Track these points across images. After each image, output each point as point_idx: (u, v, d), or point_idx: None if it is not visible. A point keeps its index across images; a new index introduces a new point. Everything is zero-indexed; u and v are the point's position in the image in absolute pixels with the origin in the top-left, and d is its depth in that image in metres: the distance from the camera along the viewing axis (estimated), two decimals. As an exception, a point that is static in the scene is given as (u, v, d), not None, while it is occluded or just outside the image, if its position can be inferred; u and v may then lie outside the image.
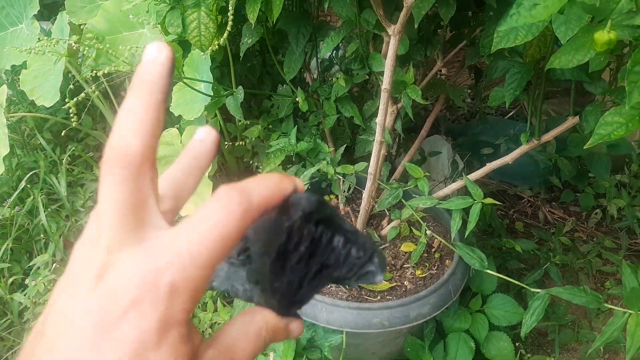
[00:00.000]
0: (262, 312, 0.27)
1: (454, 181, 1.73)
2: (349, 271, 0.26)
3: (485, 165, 1.17)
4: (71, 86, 1.23)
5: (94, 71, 1.06)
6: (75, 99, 1.00)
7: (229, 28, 1.11)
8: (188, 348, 0.22)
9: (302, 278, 0.26)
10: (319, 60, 1.45)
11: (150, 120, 0.23)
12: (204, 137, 0.29)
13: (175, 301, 0.21)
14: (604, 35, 0.62)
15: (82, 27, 1.65)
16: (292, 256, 0.25)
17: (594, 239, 1.78)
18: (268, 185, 0.24)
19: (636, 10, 0.61)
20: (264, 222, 0.25)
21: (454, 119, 2.24)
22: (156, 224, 0.23)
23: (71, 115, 1.08)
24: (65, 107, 1.02)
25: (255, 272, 0.27)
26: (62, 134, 1.45)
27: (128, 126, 0.23)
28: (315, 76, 1.75)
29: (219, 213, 0.22)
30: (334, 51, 1.80)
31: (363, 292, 1.12)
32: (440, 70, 2.41)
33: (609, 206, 1.80)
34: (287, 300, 0.26)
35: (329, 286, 1.13)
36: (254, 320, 0.26)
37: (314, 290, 0.27)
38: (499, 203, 1.07)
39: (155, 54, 0.24)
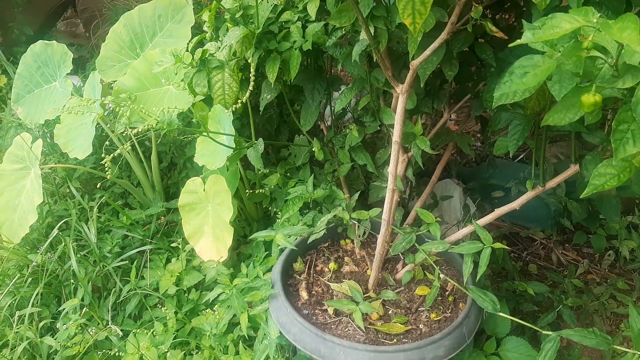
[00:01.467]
0: None
1: (465, 225, 1.78)
2: None
3: (494, 210, 1.23)
4: (107, 142, 1.32)
5: (130, 129, 1.15)
6: (111, 155, 1.09)
7: (250, 88, 1.21)
8: None
9: None
10: (333, 112, 1.54)
11: None
12: None
13: None
14: (590, 98, 0.69)
15: (111, 85, 1.78)
16: None
17: (608, 281, 1.80)
18: None
19: (617, 75, 0.69)
20: None
21: (465, 162, 2.30)
22: None
23: (107, 169, 1.17)
24: (103, 162, 1.11)
25: None
26: (97, 185, 1.55)
27: None
28: (329, 123, 1.84)
29: None
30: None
31: (379, 335, 1.16)
32: (450, 116, 2.50)
33: (621, 248, 1.82)
34: None
35: (346, 330, 1.17)
36: None
37: None
38: (508, 248, 1.12)
39: None
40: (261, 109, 1.43)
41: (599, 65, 0.70)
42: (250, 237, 1.34)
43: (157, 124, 1.12)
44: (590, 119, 0.88)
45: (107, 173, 1.17)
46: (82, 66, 3.08)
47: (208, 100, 1.55)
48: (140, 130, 1.09)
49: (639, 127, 0.65)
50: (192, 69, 1.23)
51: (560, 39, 0.72)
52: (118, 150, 1.10)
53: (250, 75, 1.23)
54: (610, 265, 1.88)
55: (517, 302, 1.51)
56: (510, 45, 0.67)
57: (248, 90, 1.22)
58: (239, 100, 1.23)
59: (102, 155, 1.10)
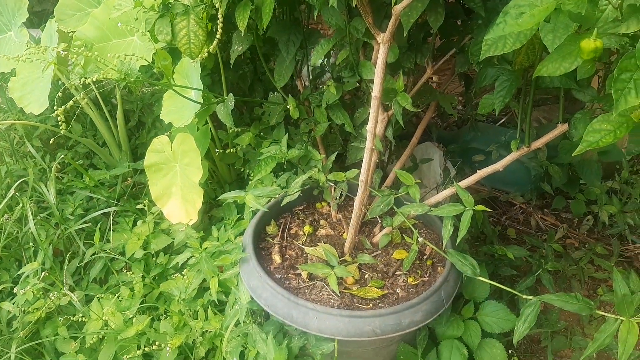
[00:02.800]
0: None
1: (445, 188, 1.73)
2: None
3: (477, 172, 1.17)
4: (60, 94, 1.21)
5: (83, 79, 1.05)
6: (63, 107, 0.99)
7: (218, 36, 1.11)
8: None
9: None
10: (311, 68, 1.45)
11: None
12: None
13: None
14: (590, 44, 0.62)
15: (71, 34, 1.64)
16: None
17: (586, 246, 1.79)
18: None
19: (621, 19, 0.62)
20: None
21: (446, 126, 2.24)
22: None
23: (60, 123, 1.07)
24: (54, 115, 1.01)
25: None
26: (51, 141, 1.44)
27: None
28: (306, 83, 1.75)
29: None
30: (326, 58, 1.81)
31: (355, 300, 1.11)
32: (432, 78, 2.42)
33: (601, 213, 1.80)
34: None
35: (320, 294, 1.12)
36: None
37: None
38: (490, 210, 1.07)
39: None
40: (232, 62, 1.33)
41: (602, 7, 0.63)
42: (219, 198, 1.26)
43: (114, 75, 1.02)
44: (585, 72, 0.81)
45: (60, 128, 1.08)
46: (45, 19, 2.89)
47: (176, 53, 1.44)
48: (95, 79, 0.98)
49: (642, 76, 0.59)
50: (155, 15, 1.12)
51: (560, -23, 0.64)
52: (70, 102, 0.99)
53: (218, 22, 1.12)
54: (588, 230, 1.86)
55: (495, 266, 1.48)
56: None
57: (215, 39, 1.12)
58: (206, 51, 1.13)
59: (54, 108, 1.00)
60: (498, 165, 1.14)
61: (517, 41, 0.81)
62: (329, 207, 1.40)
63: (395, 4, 0.90)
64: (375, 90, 1.00)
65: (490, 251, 1.46)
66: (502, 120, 2.21)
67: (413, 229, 1.17)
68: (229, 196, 1.18)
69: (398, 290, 1.14)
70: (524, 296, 1.07)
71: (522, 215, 1.95)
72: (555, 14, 0.65)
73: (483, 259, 1.49)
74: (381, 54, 0.96)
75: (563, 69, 0.70)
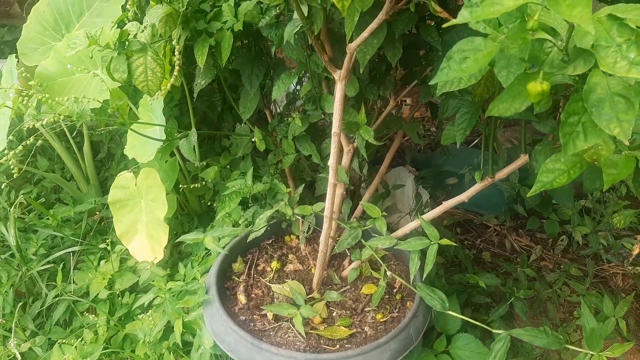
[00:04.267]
0: None
1: (414, 218, 1.72)
2: None
3: (443, 203, 1.16)
4: (10, 137, 1.17)
5: (35, 121, 1.02)
6: (13, 152, 0.95)
7: (176, 73, 1.09)
8: None
9: None
10: (274, 100, 1.43)
11: None
12: None
13: None
14: (536, 87, 0.61)
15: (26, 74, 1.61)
16: None
17: (561, 267, 1.78)
18: None
19: (568, 60, 0.61)
20: None
21: (419, 148, 2.24)
22: None
23: (12, 167, 1.03)
24: (3, 160, 0.97)
25: None
26: (15, 176, 1.39)
27: None
28: (280, 109, 1.73)
29: None
30: (298, 85, 1.79)
31: (322, 341, 1.08)
32: (405, 100, 2.42)
33: (574, 233, 1.80)
34: None
35: (286, 336, 1.09)
36: None
37: None
38: (454, 244, 1.05)
39: None
40: (195, 95, 1.30)
41: (547, 49, 0.62)
42: (178, 240, 1.22)
43: (64, 117, 0.99)
44: (539, 108, 0.80)
45: (13, 172, 1.04)
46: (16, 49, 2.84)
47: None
48: (46, 122, 0.95)
49: (591, 119, 0.58)
50: (111, 52, 1.09)
51: (506, 18, 0.63)
52: (20, 147, 0.96)
53: (175, 59, 1.10)
54: (563, 250, 1.86)
55: (469, 294, 1.46)
56: (444, 25, 0.58)
57: (174, 76, 1.10)
58: (165, 87, 1.11)
59: (6, 151, 0.96)
60: (463, 197, 1.12)
61: (471, 78, 0.80)
62: (298, 240, 1.37)
63: (350, 41, 0.89)
64: (335, 127, 0.98)
65: (463, 280, 1.44)
66: (475, 141, 2.21)
67: (381, 262, 1.14)
68: (188, 238, 1.15)
69: (366, 328, 1.12)
70: (494, 330, 1.05)
71: (497, 238, 1.94)
72: (502, 55, 0.64)
73: (457, 287, 1.47)
74: (338, 91, 0.94)
75: (513, 109, 0.69)
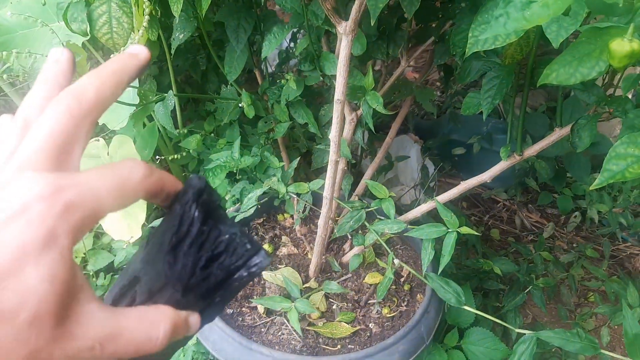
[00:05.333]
0: (162, 307, 0.27)
1: (423, 190, 1.57)
2: (238, 260, 0.28)
3: (460, 183, 1.00)
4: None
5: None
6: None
7: (145, 24, 0.91)
8: (67, 275, 0.22)
9: (194, 263, 0.27)
10: (264, 59, 1.25)
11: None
12: (59, 57, 0.29)
13: (66, 220, 0.21)
14: (624, 46, 0.44)
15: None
16: (184, 242, 0.27)
17: (574, 246, 1.66)
18: (100, 82, 0.26)
19: (667, 9, 0.44)
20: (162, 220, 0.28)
21: (423, 115, 2.07)
22: (73, 167, 0.25)
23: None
24: None
25: (152, 266, 0.28)
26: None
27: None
28: (272, 69, 1.55)
29: (50, 118, 0.24)
30: (292, 42, 1.60)
31: (320, 340, 0.94)
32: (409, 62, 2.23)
33: (589, 210, 1.67)
34: (182, 284, 0.27)
35: (280, 333, 0.95)
36: (153, 311, 0.26)
37: (208, 282, 0.28)
38: (476, 233, 0.91)
39: (57, 56, 0.28)
40: (172, 51, 1.12)
41: (640, -7, 0.45)
42: (150, 225, 1.07)
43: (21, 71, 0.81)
44: (597, 74, 0.64)
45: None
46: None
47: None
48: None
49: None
50: (67, -2, 0.90)
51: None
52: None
53: (145, 6, 0.91)
54: (576, 228, 1.73)
55: (480, 279, 1.33)
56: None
57: (142, 27, 0.91)
58: (132, 42, 0.92)
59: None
60: (485, 177, 0.97)
61: (511, 34, 0.63)
62: (292, 219, 1.22)
63: (360, -15, 0.71)
64: (338, 93, 0.81)
65: (475, 265, 1.31)
66: (484, 108, 2.04)
67: (388, 249, 1.00)
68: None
69: (371, 325, 0.98)
70: (517, 330, 0.92)
71: (506, 213, 1.80)
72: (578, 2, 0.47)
73: (466, 272, 1.33)
74: (344, 48, 0.76)
75: (580, 75, 0.53)
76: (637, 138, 0.53)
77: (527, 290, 1.24)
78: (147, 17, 0.91)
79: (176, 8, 0.94)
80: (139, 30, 0.91)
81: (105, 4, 0.92)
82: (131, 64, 0.28)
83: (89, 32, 0.94)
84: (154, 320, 0.26)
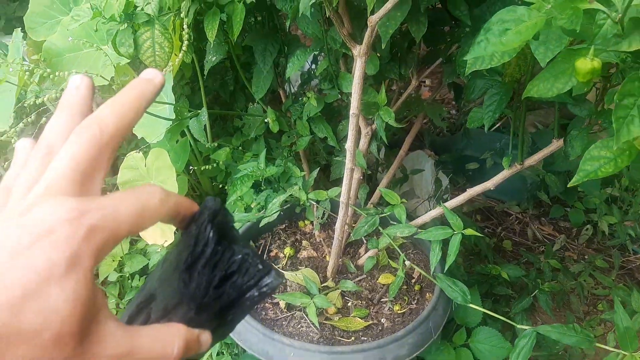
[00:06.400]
0: (176, 325, 0.28)
1: (437, 202, 1.65)
2: (250, 279, 0.29)
3: (466, 190, 1.09)
4: (12, 114, 1.13)
5: (36, 97, 0.97)
6: (13, 129, 0.91)
7: (184, 48, 1.03)
8: (89, 296, 0.22)
9: (208, 282, 0.28)
10: (288, 79, 1.36)
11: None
12: (79, 83, 0.30)
13: (89, 243, 0.22)
14: (586, 64, 0.54)
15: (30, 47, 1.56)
16: (199, 261, 0.28)
17: (585, 257, 1.71)
18: (120, 110, 0.27)
19: (622, 35, 0.53)
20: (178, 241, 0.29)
21: (439, 132, 2.16)
22: (96, 192, 0.26)
23: (14, 144, 0.98)
24: (6, 137, 0.93)
25: (167, 284, 0.29)
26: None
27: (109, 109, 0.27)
28: (295, 89, 1.66)
29: (75, 145, 0.25)
30: (313, 64, 1.72)
31: (336, 333, 1.03)
32: (424, 81, 2.33)
33: (600, 222, 1.72)
34: (195, 303, 0.28)
35: (299, 326, 1.04)
36: (167, 329, 0.27)
37: (220, 301, 0.29)
38: (480, 235, 0.99)
39: (77, 83, 0.29)
40: (205, 72, 1.24)
41: (600, 21, 0.54)
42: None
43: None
44: (579, 90, 0.73)
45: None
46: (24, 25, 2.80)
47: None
48: (47, 99, 0.90)
49: (647, 101, 0.51)
50: (116, 25, 1.03)
51: (551, -14, 0.56)
52: (21, 124, 0.91)
53: (184, 33, 1.04)
54: (587, 240, 1.78)
55: (490, 285, 1.40)
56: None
57: (182, 51, 1.04)
58: (171, 64, 1.05)
59: (9, 127, 0.92)
60: (489, 184, 1.06)
61: (504, 55, 0.73)
62: (312, 225, 1.32)
63: (372, 14, 0.82)
64: (353, 107, 0.92)
65: (484, 270, 1.38)
66: (497, 125, 2.12)
67: (400, 251, 1.08)
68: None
69: (383, 320, 1.06)
70: (519, 326, 0.99)
71: (519, 226, 1.87)
72: (545, 28, 0.56)
73: (477, 277, 1.40)
74: (358, 68, 0.87)
75: (556, 89, 0.62)
76: (608, 142, 0.62)
77: (534, 294, 1.30)
78: (185, 42, 1.03)
79: (211, 34, 1.06)
80: (178, 54, 1.04)
81: (149, 30, 1.05)
82: (148, 90, 0.29)
83: (134, 55, 1.07)
84: (167, 338, 0.26)
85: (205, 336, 0.29)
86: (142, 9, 1.06)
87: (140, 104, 0.29)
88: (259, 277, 0.29)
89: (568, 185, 0.63)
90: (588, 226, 1.80)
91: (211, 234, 0.28)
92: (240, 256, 0.29)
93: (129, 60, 1.08)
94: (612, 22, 0.53)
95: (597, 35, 0.54)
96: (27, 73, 0.98)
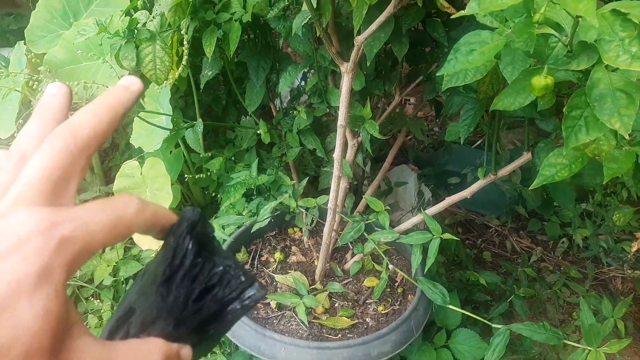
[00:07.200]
0: (155, 340, 0.27)
1: (419, 212, 1.73)
2: (232, 292, 0.28)
3: (445, 199, 1.17)
4: (20, 121, 1.19)
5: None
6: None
7: (184, 62, 1.11)
8: (61, 310, 0.21)
9: (187, 295, 0.27)
10: (279, 94, 1.44)
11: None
12: (56, 91, 0.29)
13: (61, 255, 0.22)
14: (540, 81, 0.62)
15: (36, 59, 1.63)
16: (177, 274, 0.27)
17: (561, 269, 1.79)
18: (95, 118, 0.26)
19: (572, 56, 0.62)
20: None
21: (422, 147, 2.25)
22: (69, 202, 0.25)
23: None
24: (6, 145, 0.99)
25: (146, 298, 0.28)
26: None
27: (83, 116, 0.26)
28: (285, 105, 1.74)
29: (46, 153, 0.24)
30: (302, 80, 1.81)
31: (324, 330, 1.09)
32: (408, 99, 2.43)
33: (575, 236, 1.81)
34: (174, 317, 0.27)
35: (289, 324, 1.10)
36: (145, 344, 0.26)
37: (200, 314, 0.28)
38: (456, 238, 1.06)
39: (54, 91, 0.28)
40: (201, 86, 1.32)
41: (552, 44, 0.63)
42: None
43: (75, 99, 1.00)
44: (543, 104, 0.81)
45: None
46: (21, 38, 2.86)
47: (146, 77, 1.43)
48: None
49: (593, 113, 0.59)
50: (119, 40, 1.11)
51: (513, 13, 0.65)
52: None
53: (184, 49, 1.11)
54: (563, 253, 1.87)
55: (469, 291, 1.47)
56: (452, 16, 0.60)
57: (181, 66, 1.11)
58: (173, 77, 1.12)
59: (14, 134, 0.98)
60: (466, 192, 1.14)
61: (477, 73, 0.81)
62: (301, 232, 1.38)
63: (358, 34, 0.90)
64: (341, 119, 1.00)
65: (464, 277, 1.45)
66: (478, 142, 2.22)
67: (383, 256, 1.16)
68: (195, 225, 1.16)
69: (368, 319, 1.13)
70: (494, 325, 1.06)
71: (498, 238, 1.95)
72: (508, 49, 0.65)
73: (457, 284, 1.48)
74: (345, 83, 0.95)
75: (517, 103, 0.70)
76: (563, 151, 0.70)
77: (510, 299, 1.37)
78: (185, 56, 1.11)
79: (209, 50, 1.14)
80: (178, 67, 1.11)
81: (150, 45, 1.12)
82: (125, 97, 0.28)
83: (134, 68, 1.14)
84: (145, 354, 0.25)
85: (186, 351, 0.28)
86: (144, 26, 1.13)
87: (116, 112, 0.27)
88: (242, 290, 0.28)
89: (529, 188, 0.71)
90: (564, 239, 1.89)
91: (190, 246, 0.27)
92: (221, 268, 0.28)
93: (128, 73, 1.15)
94: (562, 45, 0.62)
95: (550, 56, 0.62)
96: (35, 83, 1.04)
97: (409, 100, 2.42)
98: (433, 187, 1.80)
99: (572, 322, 1.61)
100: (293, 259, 1.30)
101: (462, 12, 0.57)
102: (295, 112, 1.35)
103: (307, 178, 1.35)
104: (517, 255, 1.88)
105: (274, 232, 1.39)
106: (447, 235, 1.05)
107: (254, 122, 1.50)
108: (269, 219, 1.25)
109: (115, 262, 1.48)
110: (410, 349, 1.17)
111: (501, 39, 0.61)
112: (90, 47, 1.50)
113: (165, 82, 1.11)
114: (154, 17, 1.09)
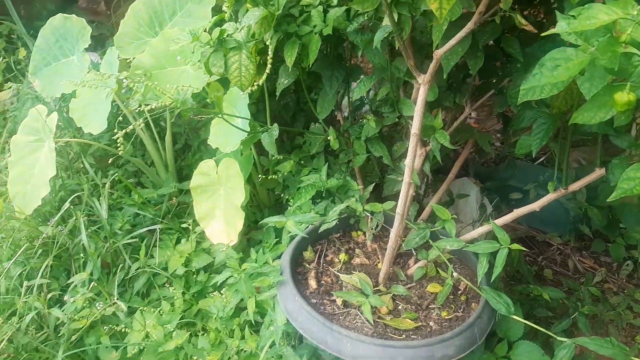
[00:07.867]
0: None
1: (481, 224, 1.74)
2: None
3: (513, 211, 1.19)
4: (120, 118, 1.31)
5: (142, 105, 1.14)
6: (123, 131, 1.08)
7: (267, 71, 1.19)
8: None
9: None
10: (352, 100, 1.51)
11: None
12: None
13: None
14: (623, 97, 0.65)
15: (129, 61, 1.76)
16: None
17: (625, 291, 1.75)
18: None
19: (657, 73, 0.64)
20: None
21: (483, 162, 2.25)
22: None
23: (119, 144, 1.15)
24: (115, 137, 1.10)
25: None
26: (110, 161, 1.55)
27: None
28: (346, 114, 1.81)
29: None
30: (370, 91, 1.87)
31: (388, 330, 1.14)
32: (470, 114, 2.44)
33: (641, 258, 1.76)
34: None
35: (354, 321, 1.15)
36: None
37: None
38: (525, 249, 1.08)
39: None
40: (277, 93, 1.40)
41: (635, 63, 0.66)
42: (260, 223, 1.32)
43: (171, 103, 1.11)
44: (621, 120, 0.84)
45: (119, 149, 1.16)
46: (101, 44, 3.08)
47: (224, 83, 1.53)
48: (153, 107, 1.07)
49: (676, 129, 0.61)
50: (209, 49, 1.20)
51: (595, 32, 0.68)
52: (131, 127, 1.08)
53: (268, 58, 1.20)
54: (628, 276, 1.82)
55: (530, 306, 1.47)
56: (543, 34, 0.64)
57: (265, 73, 1.20)
58: (255, 83, 1.21)
59: (115, 131, 1.09)
60: (535, 206, 1.15)
61: (554, 88, 0.84)
62: (365, 236, 1.43)
63: (437, 48, 0.95)
64: (415, 128, 1.04)
65: (525, 291, 1.45)
66: (541, 159, 2.20)
67: (448, 263, 1.19)
68: (271, 221, 1.24)
69: (431, 323, 1.16)
70: (559, 338, 1.07)
71: (560, 257, 1.92)
72: (590, 66, 0.68)
73: (518, 298, 1.48)
74: (421, 94, 1.00)
75: (598, 118, 0.73)
76: (643, 165, 0.72)
77: (574, 316, 1.36)
78: (269, 65, 1.19)
79: (290, 60, 1.22)
80: (262, 75, 1.20)
81: (237, 54, 1.21)
82: None
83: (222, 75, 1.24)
84: None
85: None
86: (231, 36, 1.23)
87: None
88: None
89: (607, 200, 0.73)
90: (629, 262, 1.84)
91: None
92: None
93: (218, 78, 1.25)
94: (647, 63, 0.65)
95: (633, 74, 0.65)
96: (135, 84, 1.16)
97: (470, 114, 2.43)
98: (497, 201, 1.80)
99: (635, 345, 1.57)
100: (357, 260, 1.35)
101: (552, 30, 0.61)
102: (364, 120, 1.40)
103: (373, 184, 1.41)
104: (579, 275, 1.85)
105: (339, 234, 1.45)
106: (515, 246, 1.08)
107: (322, 129, 1.57)
108: (336, 220, 1.31)
109: (188, 254, 1.58)
110: (471, 356, 1.19)
111: (586, 56, 0.65)
112: (174, 55, 1.62)
113: (249, 88, 1.20)
114: (241, 29, 1.18)
